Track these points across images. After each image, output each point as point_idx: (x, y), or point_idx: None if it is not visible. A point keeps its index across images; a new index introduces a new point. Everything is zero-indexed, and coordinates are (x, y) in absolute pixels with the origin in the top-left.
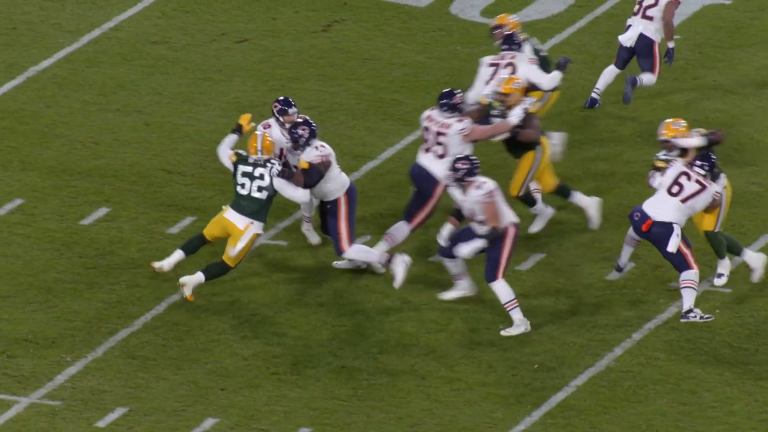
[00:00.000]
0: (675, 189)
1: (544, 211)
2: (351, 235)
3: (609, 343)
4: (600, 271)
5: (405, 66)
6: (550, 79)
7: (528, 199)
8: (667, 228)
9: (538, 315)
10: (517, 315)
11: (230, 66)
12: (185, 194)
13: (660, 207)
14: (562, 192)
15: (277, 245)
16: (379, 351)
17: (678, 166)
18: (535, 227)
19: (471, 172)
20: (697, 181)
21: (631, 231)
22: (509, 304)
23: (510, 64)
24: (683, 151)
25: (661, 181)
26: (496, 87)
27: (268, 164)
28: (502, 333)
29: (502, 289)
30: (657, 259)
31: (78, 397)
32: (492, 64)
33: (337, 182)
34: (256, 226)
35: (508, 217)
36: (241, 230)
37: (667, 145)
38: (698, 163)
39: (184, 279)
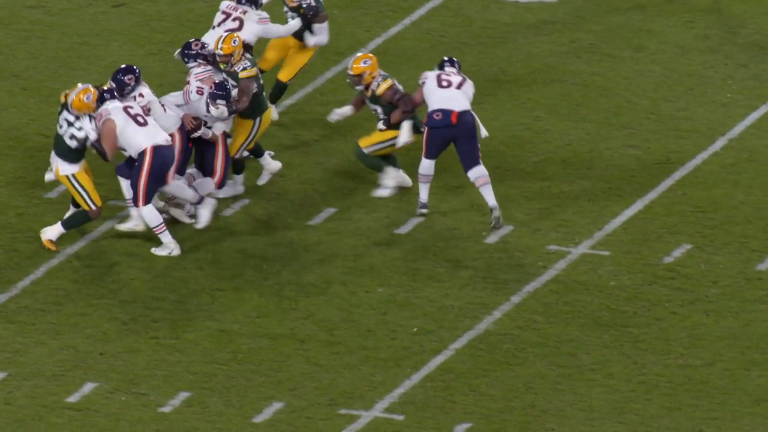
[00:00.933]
0: (445, 83)
1: (271, 164)
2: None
3: (488, 306)
4: (478, 234)
5: None
6: (285, 29)
7: (254, 153)
8: (471, 115)
9: (416, 278)
10: (166, 238)
11: (107, 30)
12: None
13: (452, 99)
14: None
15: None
16: (258, 315)
17: (430, 74)
18: (262, 180)
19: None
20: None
21: (424, 168)
22: (157, 228)
23: (238, 19)
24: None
25: (430, 85)
26: (215, 46)
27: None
28: (153, 251)
29: (149, 215)
30: (535, 222)
31: None
32: (224, 12)
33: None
34: (63, 168)
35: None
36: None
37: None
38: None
39: (45, 229)
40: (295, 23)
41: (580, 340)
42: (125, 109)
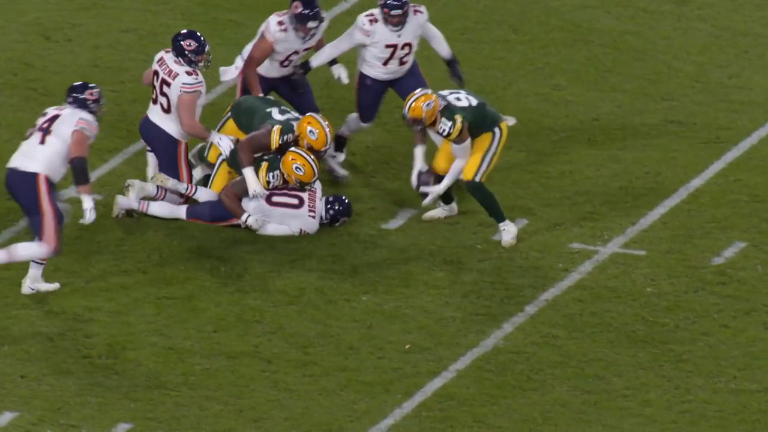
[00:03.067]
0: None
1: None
2: None
3: (496, 319)
4: (485, 231)
5: None
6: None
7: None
8: None
9: (410, 284)
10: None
11: None
12: None
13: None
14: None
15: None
16: (215, 329)
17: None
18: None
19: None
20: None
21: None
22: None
23: None
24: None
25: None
26: None
27: None
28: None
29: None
30: (555, 215)
31: None
32: None
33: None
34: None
35: None
36: None
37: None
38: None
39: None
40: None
41: (610, 360)
42: None
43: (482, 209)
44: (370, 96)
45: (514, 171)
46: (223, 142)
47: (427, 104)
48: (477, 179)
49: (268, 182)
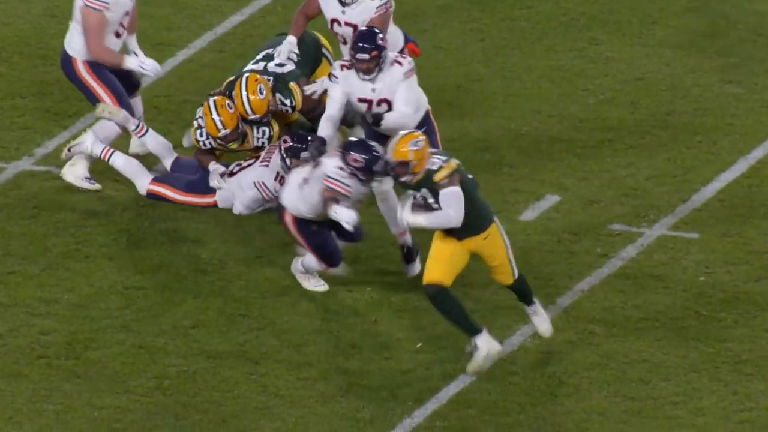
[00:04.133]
0: None
1: None
2: None
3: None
4: (510, 209)
5: None
6: None
7: None
8: None
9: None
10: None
11: None
12: None
13: None
14: None
15: (43, 173)
16: (193, 324)
17: None
18: None
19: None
20: None
21: None
22: None
23: None
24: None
25: None
26: None
27: None
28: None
29: None
30: (593, 191)
31: None
32: None
33: None
34: None
35: None
36: None
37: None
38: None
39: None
40: None
41: (656, 361)
42: None
43: (506, 188)
44: None
45: (544, 139)
46: (147, 65)
47: (415, 142)
48: (439, 282)
49: (197, 140)
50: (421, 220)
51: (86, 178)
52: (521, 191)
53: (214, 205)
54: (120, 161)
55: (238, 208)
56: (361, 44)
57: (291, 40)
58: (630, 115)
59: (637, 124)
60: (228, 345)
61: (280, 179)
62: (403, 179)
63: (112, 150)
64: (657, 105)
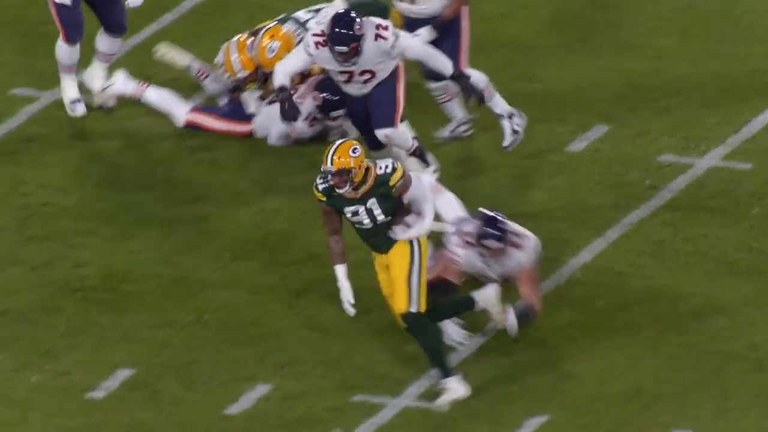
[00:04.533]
0: None
1: None
2: None
3: (570, 245)
4: (553, 139)
5: None
6: None
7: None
8: None
9: (464, 200)
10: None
11: None
12: None
13: None
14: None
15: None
16: (233, 257)
17: None
18: None
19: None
20: None
21: None
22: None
23: None
24: None
25: None
26: None
27: None
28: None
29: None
30: (640, 121)
31: None
32: None
33: None
34: None
35: None
36: None
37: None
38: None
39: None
40: None
41: (708, 295)
42: None
43: (553, 118)
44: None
45: (590, 68)
46: None
47: (353, 150)
48: (413, 309)
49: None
50: (417, 229)
51: (74, 100)
52: (568, 121)
53: (251, 135)
54: (154, 95)
55: (273, 138)
56: (338, 36)
57: None
58: (679, 43)
59: (687, 53)
60: (268, 278)
61: (311, 120)
62: (341, 191)
63: (146, 84)
64: (707, 33)
